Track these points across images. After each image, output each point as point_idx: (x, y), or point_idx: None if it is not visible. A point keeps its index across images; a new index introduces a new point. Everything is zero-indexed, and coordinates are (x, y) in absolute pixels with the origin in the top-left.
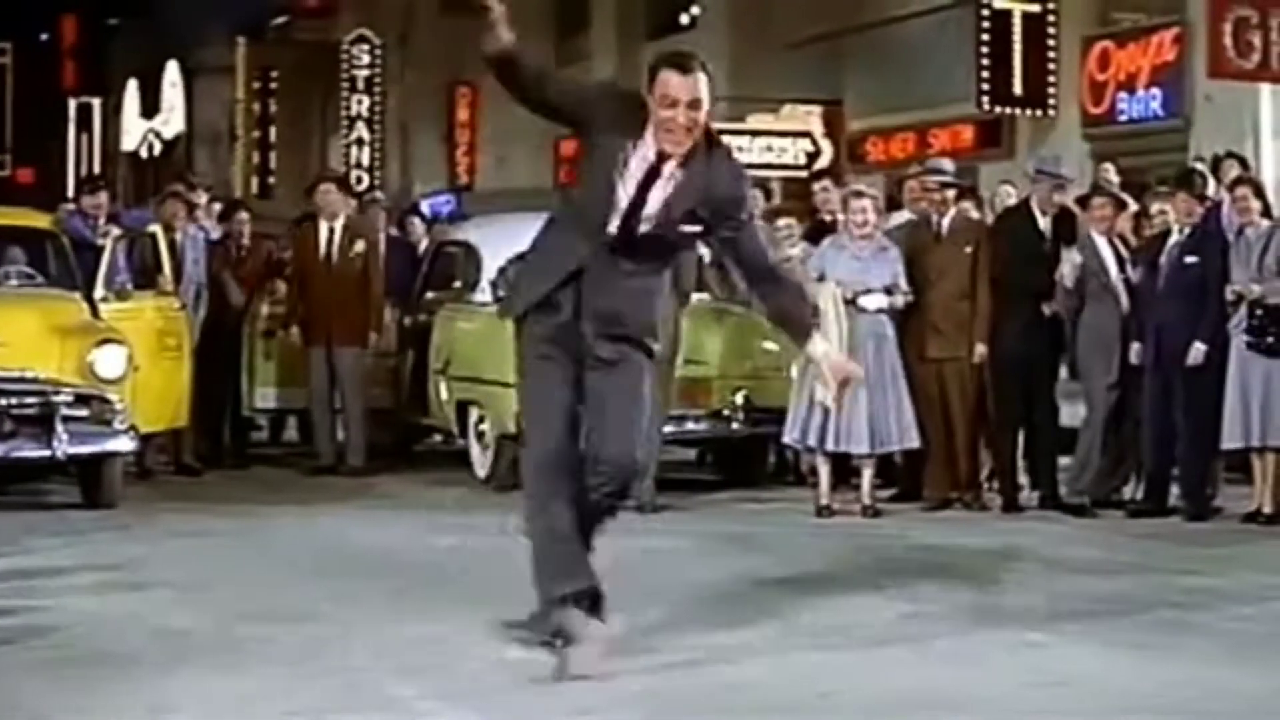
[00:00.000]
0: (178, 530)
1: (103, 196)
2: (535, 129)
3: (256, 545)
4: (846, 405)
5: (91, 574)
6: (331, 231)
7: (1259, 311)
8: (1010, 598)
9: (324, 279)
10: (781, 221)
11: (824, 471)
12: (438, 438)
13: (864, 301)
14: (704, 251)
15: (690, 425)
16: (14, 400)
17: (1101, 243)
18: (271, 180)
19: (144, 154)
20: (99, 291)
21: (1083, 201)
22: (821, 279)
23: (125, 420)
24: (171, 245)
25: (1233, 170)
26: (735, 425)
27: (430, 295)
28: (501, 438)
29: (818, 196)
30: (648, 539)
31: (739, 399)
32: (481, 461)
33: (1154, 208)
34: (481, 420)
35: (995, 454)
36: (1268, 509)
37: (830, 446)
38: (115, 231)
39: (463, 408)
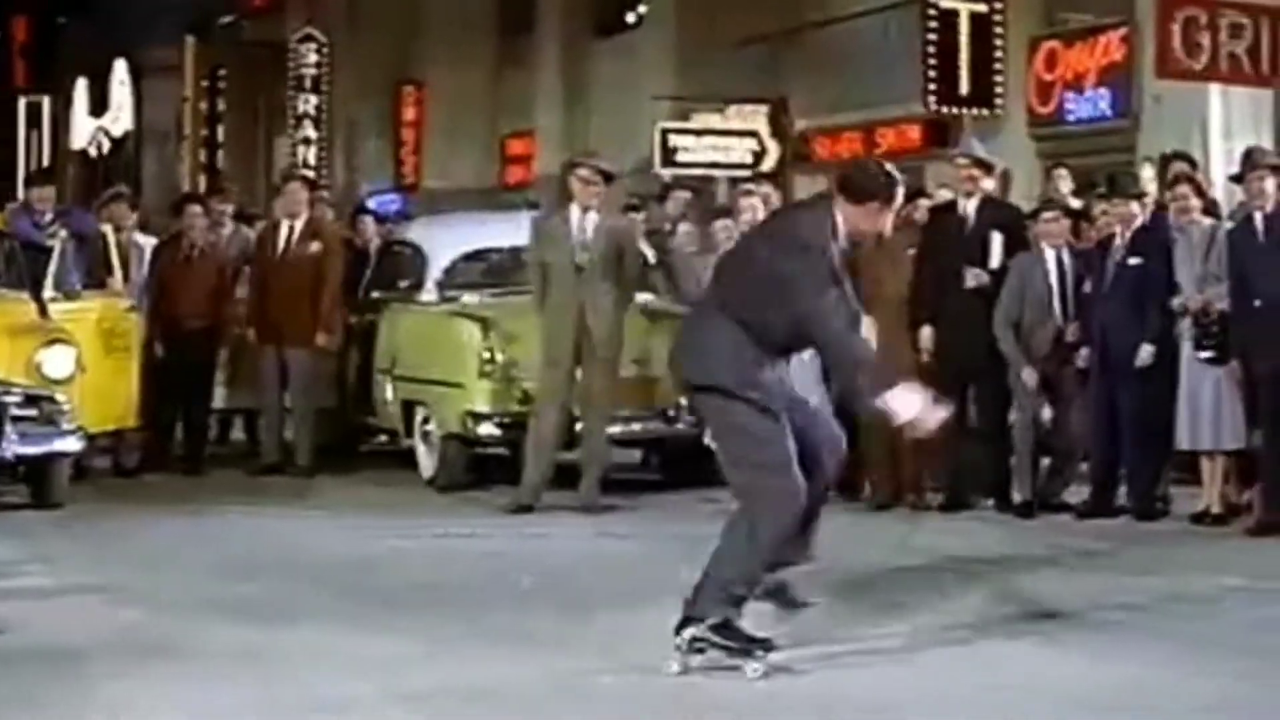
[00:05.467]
0: (124, 531)
1: (50, 190)
2: (481, 128)
3: (202, 545)
4: None
5: (39, 574)
6: (291, 230)
7: (1204, 319)
8: (958, 600)
9: (278, 277)
10: (719, 223)
11: None
12: (383, 438)
13: None
14: (648, 252)
15: (636, 425)
16: None
17: (1049, 256)
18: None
19: (93, 152)
20: (48, 292)
21: (1033, 214)
22: None
23: (73, 421)
24: (118, 246)
25: (1178, 171)
26: (681, 425)
27: (376, 294)
28: (447, 438)
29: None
30: (599, 541)
31: (684, 399)
32: (427, 462)
33: (1096, 209)
34: (427, 420)
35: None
36: (1216, 509)
37: None
38: (64, 233)
39: (409, 407)
